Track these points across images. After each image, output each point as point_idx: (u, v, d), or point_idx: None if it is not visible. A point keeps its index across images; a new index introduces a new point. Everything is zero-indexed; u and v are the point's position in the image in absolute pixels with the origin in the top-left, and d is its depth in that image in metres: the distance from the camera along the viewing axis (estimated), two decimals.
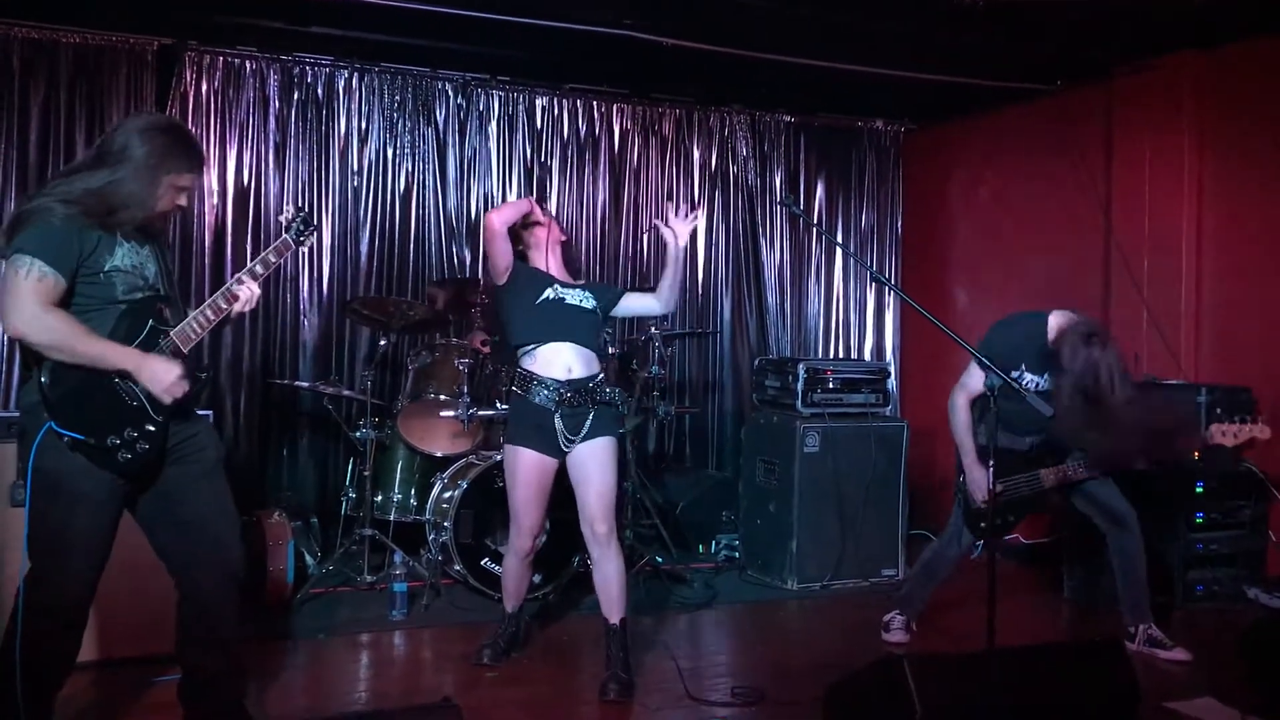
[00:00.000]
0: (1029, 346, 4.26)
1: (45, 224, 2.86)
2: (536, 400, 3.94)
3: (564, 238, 4.25)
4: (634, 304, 4.26)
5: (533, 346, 4.00)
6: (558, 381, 3.94)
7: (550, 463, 4.00)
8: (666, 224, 4.11)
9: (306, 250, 6.20)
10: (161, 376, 2.98)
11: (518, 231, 4.13)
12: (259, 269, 3.23)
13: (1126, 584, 4.44)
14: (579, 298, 4.07)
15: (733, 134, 7.29)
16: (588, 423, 3.95)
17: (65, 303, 2.91)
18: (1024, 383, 4.21)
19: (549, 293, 4.02)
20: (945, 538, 4.56)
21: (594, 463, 3.96)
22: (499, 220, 4.03)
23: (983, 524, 4.31)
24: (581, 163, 6.88)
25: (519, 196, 6.61)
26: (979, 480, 4.29)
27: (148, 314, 3.04)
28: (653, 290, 4.26)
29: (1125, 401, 4.00)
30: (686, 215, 4.14)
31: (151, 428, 3.00)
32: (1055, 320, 4.25)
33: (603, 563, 3.98)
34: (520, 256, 4.14)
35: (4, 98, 5.56)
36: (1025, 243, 6.72)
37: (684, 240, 4.11)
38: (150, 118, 3.36)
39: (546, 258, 4.15)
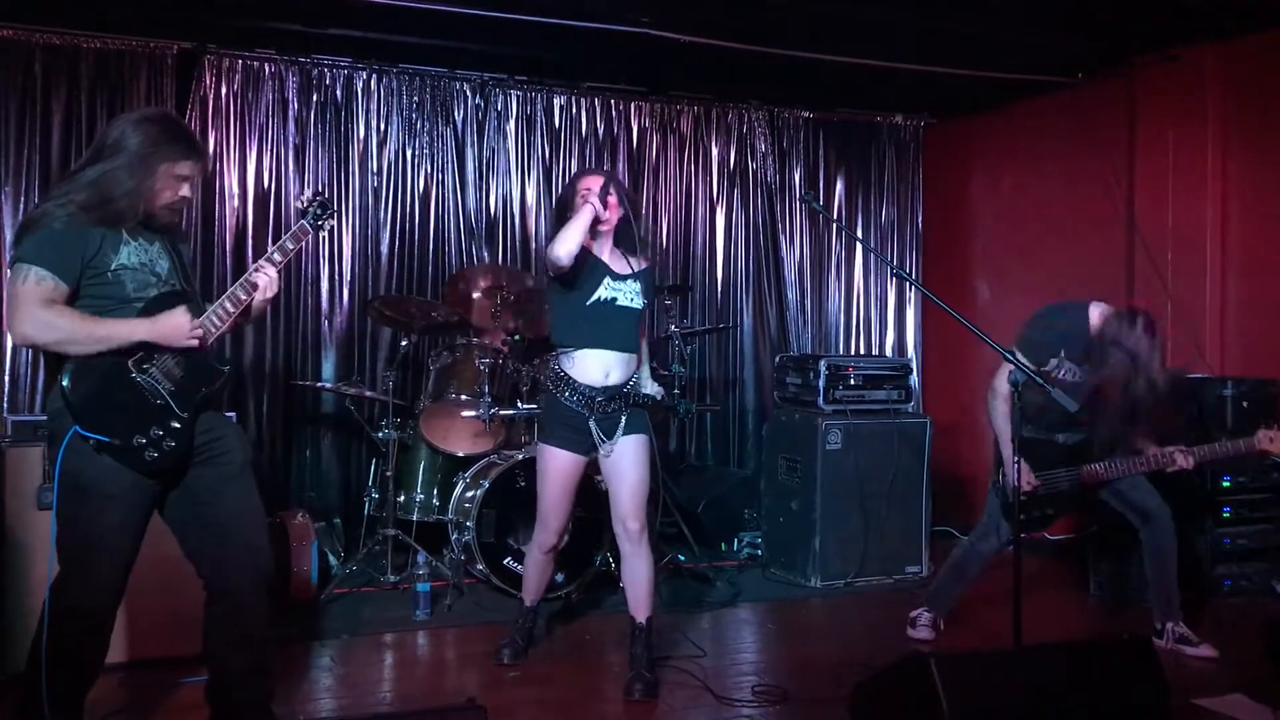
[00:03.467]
0: (1070, 336, 4.24)
1: (45, 230, 2.89)
2: (570, 404, 3.92)
3: (622, 213, 3.98)
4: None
5: (573, 349, 3.95)
6: (593, 388, 3.91)
7: (580, 461, 4.00)
8: None
9: (328, 249, 6.22)
10: (175, 330, 2.99)
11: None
12: (277, 256, 3.23)
13: (1158, 581, 4.40)
14: (630, 295, 3.96)
15: (751, 131, 7.27)
16: (622, 423, 3.95)
17: (74, 304, 2.92)
18: (1063, 372, 4.22)
19: (601, 291, 3.90)
20: (978, 533, 4.53)
21: (627, 460, 3.94)
22: (566, 254, 3.74)
23: (1023, 516, 4.28)
24: (600, 161, 6.87)
25: (537, 196, 6.61)
26: (1021, 472, 4.27)
27: (165, 311, 3.04)
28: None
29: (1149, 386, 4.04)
30: None
31: (177, 425, 3.02)
32: (1095, 312, 4.25)
33: (633, 560, 3.97)
34: None
35: (26, 103, 5.60)
36: (1047, 236, 6.67)
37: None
38: (142, 110, 3.40)
39: (602, 238, 3.99)
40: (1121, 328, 4.08)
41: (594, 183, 3.95)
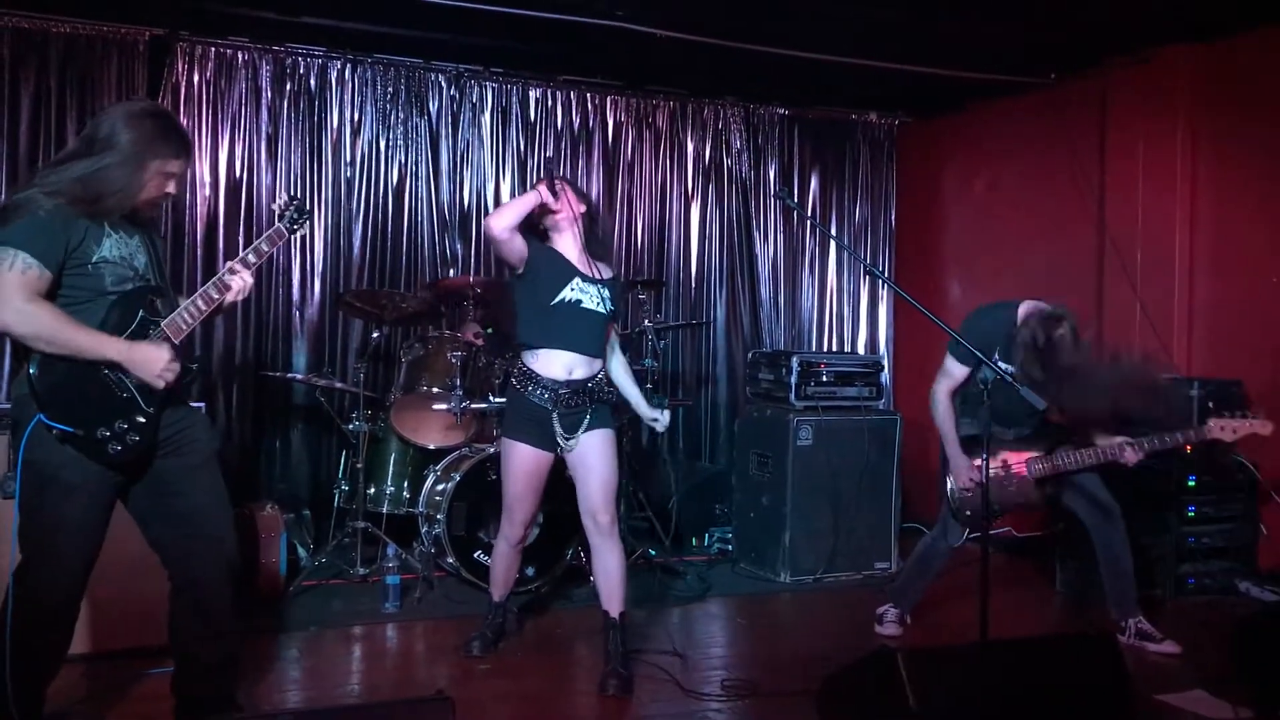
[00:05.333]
0: (999, 335, 4.28)
1: (31, 216, 2.85)
2: (534, 399, 3.92)
3: (583, 208, 4.02)
4: (612, 340, 4.16)
5: (537, 348, 3.96)
6: (556, 382, 3.91)
7: (546, 457, 3.99)
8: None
9: (300, 240, 6.18)
10: (150, 362, 2.97)
11: (535, 218, 3.93)
12: (251, 258, 3.21)
13: (1113, 579, 4.45)
14: (596, 299, 3.94)
15: (727, 127, 7.28)
16: (585, 420, 3.94)
17: (53, 295, 2.89)
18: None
19: (566, 292, 3.89)
20: (936, 530, 4.58)
21: (594, 454, 3.94)
22: (499, 227, 3.78)
23: (968, 512, 4.33)
24: (575, 155, 6.87)
25: (512, 189, 6.60)
26: (961, 468, 4.32)
27: (138, 305, 3.02)
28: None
29: (1083, 363, 4.07)
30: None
31: (142, 419, 2.99)
32: (1024, 309, 4.29)
33: (604, 553, 3.97)
34: (542, 236, 3.99)
35: None
36: (1019, 235, 6.72)
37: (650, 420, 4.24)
38: (136, 104, 3.35)
39: (567, 238, 3.99)
40: (1040, 329, 4.11)
41: (545, 182, 3.98)
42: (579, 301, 3.92)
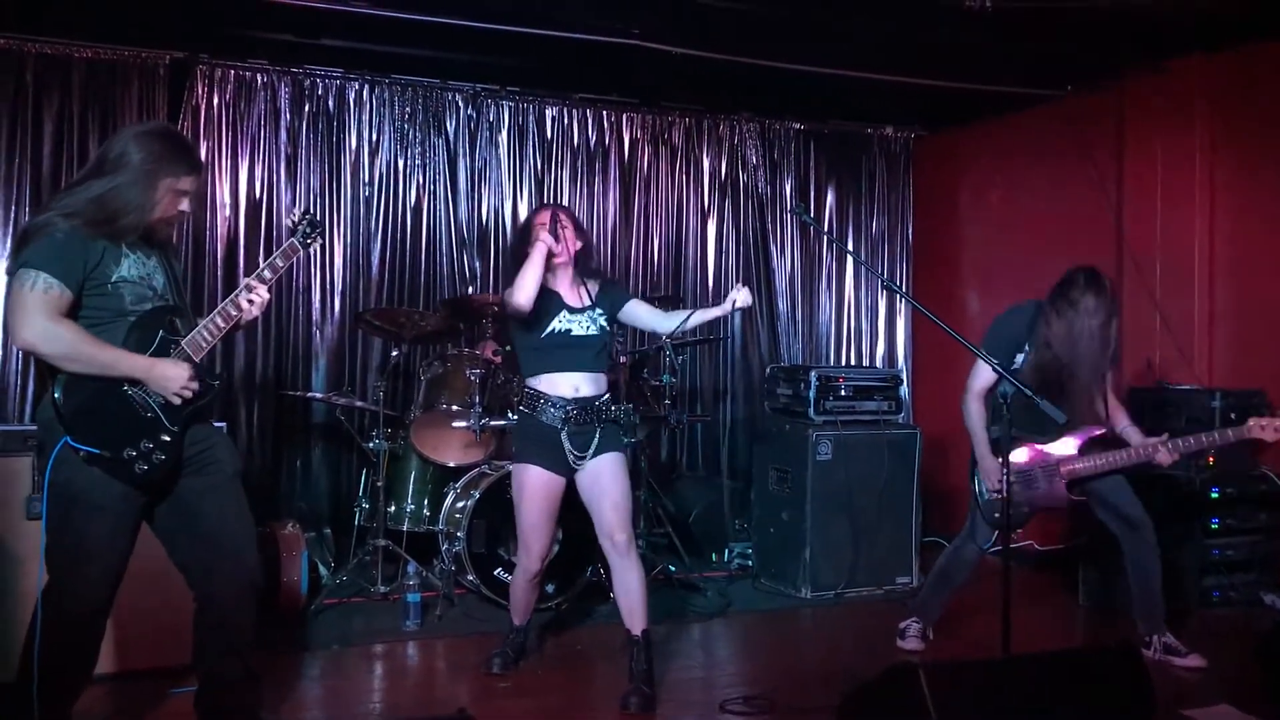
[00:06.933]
0: (1028, 330, 4.33)
1: (49, 238, 2.90)
2: (543, 419, 3.94)
3: (579, 244, 4.07)
4: (640, 314, 4.17)
5: (539, 375, 4.01)
6: (564, 400, 3.94)
7: (558, 481, 3.99)
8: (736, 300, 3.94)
9: (319, 259, 6.23)
10: (172, 379, 3.00)
11: None
12: (267, 274, 3.25)
13: (1141, 593, 4.41)
14: (586, 324, 4.00)
15: (742, 142, 7.30)
16: (595, 440, 3.96)
17: (73, 316, 2.93)
18: (1028, 367, 4.30)
19: (556, 324, 3.96)
20: (960, 538, 4.55)
21: (606, 475, 3.95)
22: (526, 299, 3.85)
23: (997, 515, 4.30)
24: (591, 172, 6.90)
25: (529, 207, 6.62)
26: (991, 469, 4.29)
27: (158, 324, 3.06)
28: (664, 307, 4.21)
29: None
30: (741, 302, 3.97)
31: (167, 438, 3.02)
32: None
33: (623, 573, 3.96)
34: None
35: (18, 112, 5.61)
36: (1037, 247, 6.70)
37: (731, 308, 3.97)
38: (146, 124, 3.41)
39: (560, 274, 4.06)
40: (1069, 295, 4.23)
41: (547, 218, 4.00)
42: (569, 330, 3.98)
